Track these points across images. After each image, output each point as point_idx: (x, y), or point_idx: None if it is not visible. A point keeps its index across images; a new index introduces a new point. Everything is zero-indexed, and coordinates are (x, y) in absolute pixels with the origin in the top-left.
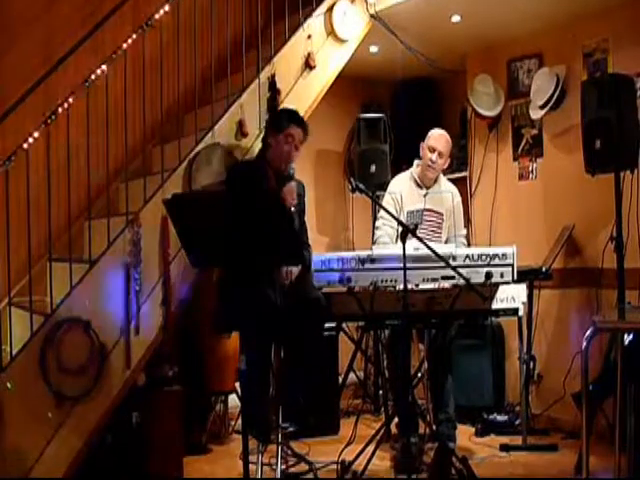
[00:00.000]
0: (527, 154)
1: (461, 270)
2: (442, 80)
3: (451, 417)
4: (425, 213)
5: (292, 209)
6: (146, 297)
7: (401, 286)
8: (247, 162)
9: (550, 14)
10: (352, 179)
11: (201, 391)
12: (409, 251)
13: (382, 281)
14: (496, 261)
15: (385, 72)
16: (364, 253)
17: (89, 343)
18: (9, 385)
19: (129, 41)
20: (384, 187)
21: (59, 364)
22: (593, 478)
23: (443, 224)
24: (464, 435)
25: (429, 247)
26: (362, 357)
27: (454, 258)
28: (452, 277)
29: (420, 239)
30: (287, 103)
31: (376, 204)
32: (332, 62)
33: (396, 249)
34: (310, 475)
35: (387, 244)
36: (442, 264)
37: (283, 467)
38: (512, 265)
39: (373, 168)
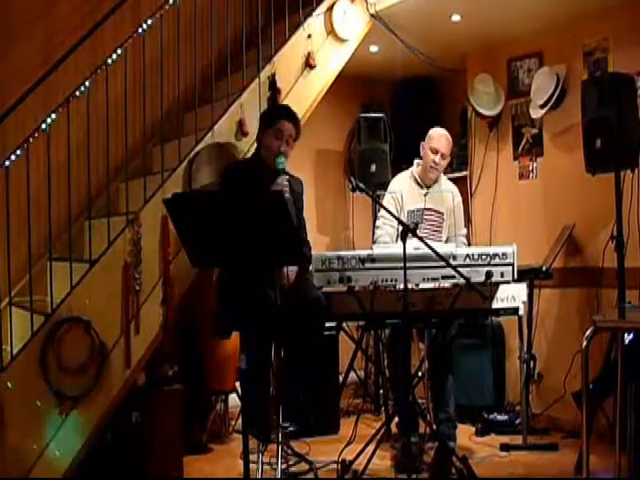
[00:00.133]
0: (527, 153)
1: (461, 269)
2: (442, 79)
3: (451, 416)
4: (425, 212)
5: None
6: (146, 297)
7: (401, 285)
8: (240, 162)
9: (550, 13)
10: (352, 178)
11: (201, 390)
12: (409, 250)
13: (382, 280)
14: (496, 260)
15: (385, 71)
16: (364, 252)
17: (89, 343)
18: (9, 384)
19: (129, 40)
20: (384, 186)
21: (59, 364)
22: (593, 478)
23: (443, 223)
24: (464, 434)
25: (429, 246)
26: (362, 356)
27: (454, 257)
28: (452, 276)
29: (420, 238)
30: (287, 102)
31: (376, 203)
32: (332, 61)
33: (396, 248)
34: (310, 475)
35: (387, 243)
36: (442, 263)
37: (283, 466)
38: (512, 264)
39: (373, 167)
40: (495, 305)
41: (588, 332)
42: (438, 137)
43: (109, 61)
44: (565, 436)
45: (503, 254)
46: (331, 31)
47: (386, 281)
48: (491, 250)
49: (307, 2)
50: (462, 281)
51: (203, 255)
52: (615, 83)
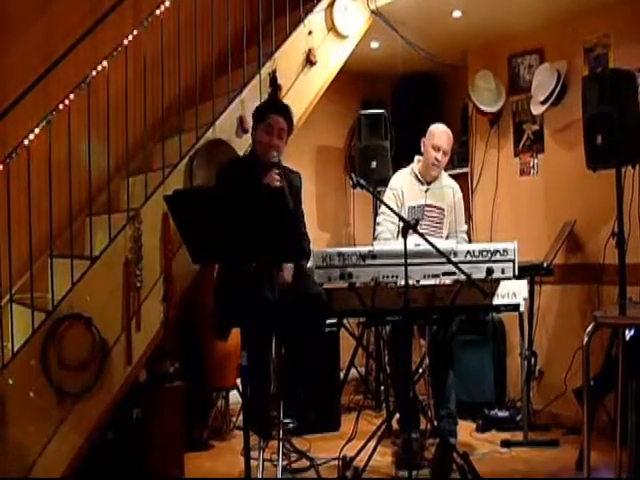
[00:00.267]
0: (528, 150)
1: (462, 266)
2: (443, 76)
3: (452, 413)
4: (426, 209)
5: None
6: (147, 293)
7: (402, 282)
8: (235, 160)
9: (551, 9)
10: (353, 175)
11: (202, 387)
12: (410, 247)
13: (383, 277)
14: (497, 257)
15: (386, 68)
16: (365, 249)
17: (90, 339)
18: (10, 381)
19: (129, 38)
20: (385, 183)
21: (60, 360)
22: (593, 478)
23: (444, 220)
24: (465, 431)
25: (430, 243)
26: (363, 353)
27: (455, 254)
28: (453, 273)
29: (421, 235)
30: (288, 99)
31: (377, 200)
32: (333, 58)
33: (397, 245)
34: (311, 471)
35: (388, 240)
36: (443, 260)
37: (284, 463)
38: (513, 261)
39: (374, 164)
40: (496, 301)
41: (589, 328)
42: (439, 134)
43: (109, 58)
44: (566, 432)
45: (504, 250)
46: (332, 27)
47: (387, 277)
48: (492, 246)
49: None
50: (463, 277)
51: (204, 251)
52: (616, 79)
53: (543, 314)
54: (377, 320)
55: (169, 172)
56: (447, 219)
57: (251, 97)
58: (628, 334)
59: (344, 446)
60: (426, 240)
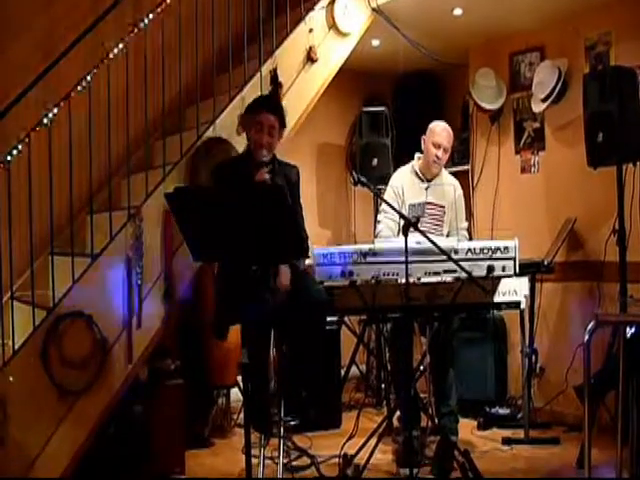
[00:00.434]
0: (529, 147)
1: (463, 263)
2: (444, 73)
3: (453, 410)
4: (427, 206)
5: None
6: (148, 291)
7: (403, 280)
8: (231, 159)
9: (552, 7)
10: (354, 172)
11: (203, 385)
12: (411, 244)
13: (384, 274)
14: (498, 254)
15: (387, 65)
16: (366, 246)
17: (91, 337)
18: (11, 378)
19: (130, 35)
20: (386, 180)
21: (61, 358)
22: (594, 478)
23: (445, 217)
24: (466, 428)
25: (431, 240)
26: (364, 351)
27: (456, 251)
28: (454, 270)
29: (422, 232)
30: (289, 97)
31: (378, 197)
32: (334, 55)
33: (398, 242)
34: (312, 469)
35: (389, 237)
36: (444, 257)
37: (285, 461)
38: (514, 258)
39: (375, 161)
40: (497, 299)
41: (590, 326)
42: (440, 131)
43: (110, 55)
44: (567, 430)
45: (505, 248)
46: (333, 25)
47: (388, 275)
48: (493, 244)
49: None
50: (464, 275)
51: (204, 249)
52: (617, 77)
53: (544, 312)
54: (378, 318)
55: (170, 169)
56: (448, 216)
57: (252, 95)
58: (629, 332)
59: (345, 444)
60: (427, 238)
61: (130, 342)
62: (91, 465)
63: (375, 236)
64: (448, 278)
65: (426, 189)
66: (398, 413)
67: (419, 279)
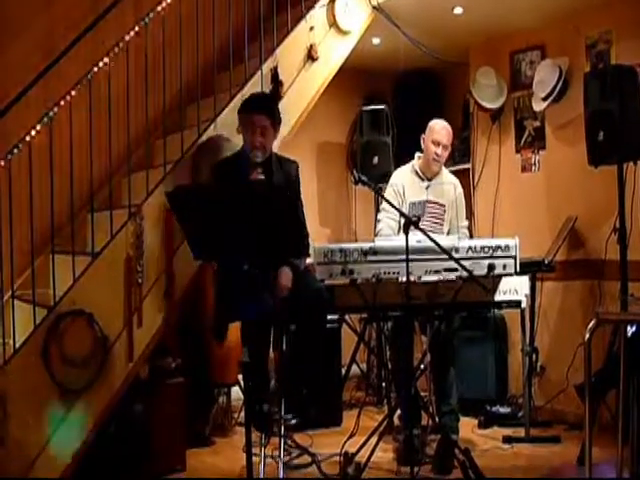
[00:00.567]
0: (530, 146)
1: (464, 262)
2: (444, 72)
3: (454, 409)
4: (427, 205)
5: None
6: (149, 289)
7: (404, 278)
8: (228, 157)
9: (552, 6)
10: (355, 172)
11: (204, 383)
12: (412, 243)
13: (385, 273)
14: (499, 253)
15: (387, 64)
16: (367, 245)
17: (92, 335)
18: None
19: (131, 33)
20: (386, 179)
21: (62, 356)
22: (595, 478)
23: (445, 215)
24: (467, 427)
25: (432, 239)
26: (365, 349)
27: (457, 250)
28: (455, 269)
29: (423, 231)
30: (289, 95)
31: (379, 196)
32: (334, 54)
33: (399, 241)
34: (313, 467)
35: (389, 236)
36: (445, 256)
37: (286, 459)
38: (515, 257)
39: (375, 160)
40: (497, 298)
41: (591, 324)
42: (439, 129)
43: (111, 54)
44: (568, 428)
45: (505, 247)
46: (333, 23)
47: (388, 273)
48: (493, 243)
49: None
50: (464, 274)
51: (205, 247)
52: (618, 75)
53: (545, 310)
54: (378, 316)
55: (171, 168)
56: (448, 215)
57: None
58: (630, 330)
59: (346, 442)
60: (428, 236)
61: (131, 340)
62: (92, 464)
63: (376, 235)
64: (449, 277)
65: (426, 188)
66: (399, 411)
67: (420, 278)
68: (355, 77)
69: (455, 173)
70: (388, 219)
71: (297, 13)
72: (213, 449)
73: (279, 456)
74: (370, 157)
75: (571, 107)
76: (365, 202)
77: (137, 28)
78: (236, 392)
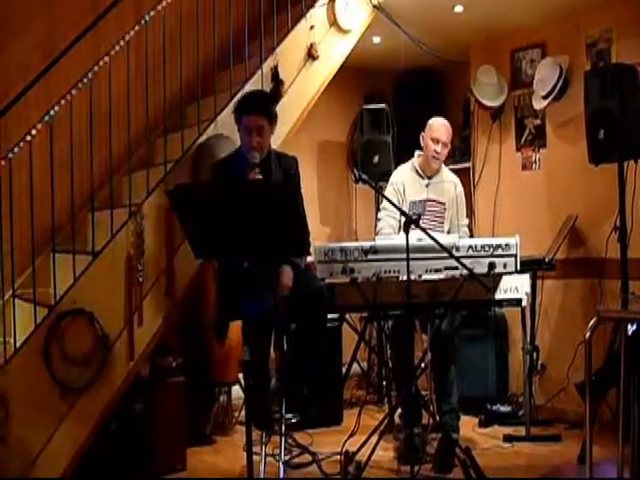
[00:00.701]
0: (530, 144)
1: (464, 260)
2: (445, 71)
3: (454, 408)
4: (427, 203)
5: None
6: (149, 288)
7: (404, 277)
8: (227, 157)
9: (553, 4)
10: (355, 170)
11: (205, 382)
12: (412, 242)
13: (385, 272)
14: (499, 251)
15: (388, 63)
16: (367, 244)
17: (93, 334)
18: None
19: (131, 33)
20: (387, 178)
21: (63, 355)
22: (595, 478)
23: (445, 214)
24: (467, 426)
25: (432, 238)
26: (365, 348)
27: (457, 249)
28: (455, 267)
29: (424, 230)
30: (290, 94)
31: (380, 194)
32: (335, 53)
33: (399, 240)
34: (313, 466)
35: (390, 235)
36: (445, 255)
37: (286, 458)
38: (515, 255)
39: (376, 159)
40: (498, 296)
41: (591, 323)
42: (438, 126)
43: (111, 53)
44: (568, 427)
45: (506, 245)
46: (334, 22)
47: (389, 272)
48: (494, 241)
49: None
50: (465, 272)
51: (206, 246)
52: (618, 74)
53: (545, 309)
54: (379, 315)
55: (171, 167)
56: (448, 213)
57: None
58: (630, 329)
59: (346, 441)
60: (428, 235)
61: (131, 339)
62: (93, 463)
63: (376, 233)
64: (449, 275)
65: (427, 186)
66: (399, 410)
67: (420, 276)
68: (355, 76)
69: (456, 172)
70: (388, 218)
71: (297, 12)
72: (214, 448)
73: (280, 455)
74: (370, 156)
75: (571, 105)
76: (365, 201)
77: (137, 27)
78: (237, 391)
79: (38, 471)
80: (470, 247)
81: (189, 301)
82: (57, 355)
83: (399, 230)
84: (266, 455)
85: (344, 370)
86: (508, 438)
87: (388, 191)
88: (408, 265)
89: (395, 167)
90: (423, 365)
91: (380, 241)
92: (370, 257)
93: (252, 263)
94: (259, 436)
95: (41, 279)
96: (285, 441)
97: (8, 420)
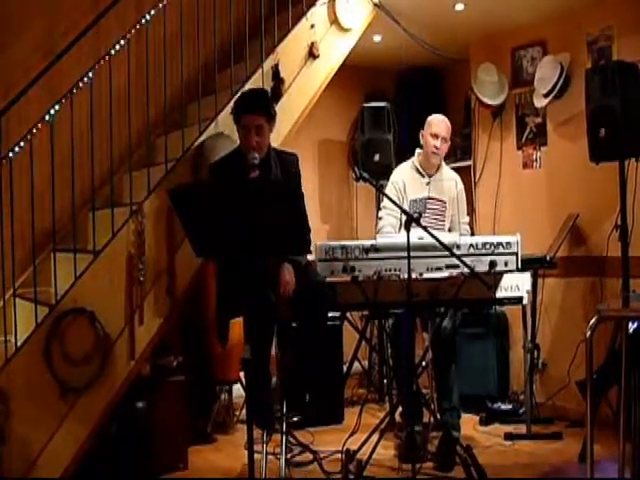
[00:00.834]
0: (531, 143)
1: (465, 259)
2: (446, 69)
3: (455, 406)
4: (428, 201)
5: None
6: (150, 287)
7: (405, 275)
8: (225, 157)
9: (553, 2)
10: (356, 168)
11: (206, 381)
12: (413, 240)
13: (386, 270)
14: (500, 250)
15: (389, 61)
16: (368, 242)
17: (93, 333)
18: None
19: (132, 31)
20: (388, 176)
21: (64, 355)
22: (595, 478)
23: (446, 212)
24: (468, 424)
25: (433, 236)
26: (366, 346)
27: (458, 247)
28: (456, 266)
29: (425, 228)
30: (291, 92)
31: (381, 193)
32: (336, 51)
33: (400, 238)
34: (314, 464)
35: (391, 233)
36: (446, 253)
37: (287, 456)
38: (516, 254)
39: (377, 157)
40: (499, 294)
41: (592, 321)
42: (437, 122)
43: (112, 52)
44: (569, 425)
45: (507, 243)
46: (334, 21)
47: (390, 271)
48: (495, 239)
49: None
50: (466, 270)
51: (207, 245)
52: (619, 71)
53: (546, 307)
54: (380, 313)
55: (172, 166)
56: (449, 211)
57: None
58: (631, 327)
59: (347, 439)
60: (430, 234)
61: (132, 338)
62: (94, 461)
63: (377, 232)
64: (450, 273)
65: (427, 184)
66: (400, 409)
67: (421, 275)
68: (356, 74)
69: (456, 170)
70: (389, 216)
71: (298, 11)
72: (215, 446)
73: (281, 453)
74: (371, 154)
75: (572, 103)
76: (366, 199)
77: (138, 26)
78: (238, 389)
79: (39, 471)
80: (471, 245)
81: (190, 300)
82: (58, 354)
83: (400, 228)
84: (267, 453)
85: (345, 368)
86: (509, 436)
87: (389, 189)
88: (409, 263)
89: (396, 165)
90: (424, 363)
91: (381, 239)
92: (371, 255)
93: (253, 261)
94: (260, 434)
95: (42, 278)
96: (286, 439)
97: (9, 419)
